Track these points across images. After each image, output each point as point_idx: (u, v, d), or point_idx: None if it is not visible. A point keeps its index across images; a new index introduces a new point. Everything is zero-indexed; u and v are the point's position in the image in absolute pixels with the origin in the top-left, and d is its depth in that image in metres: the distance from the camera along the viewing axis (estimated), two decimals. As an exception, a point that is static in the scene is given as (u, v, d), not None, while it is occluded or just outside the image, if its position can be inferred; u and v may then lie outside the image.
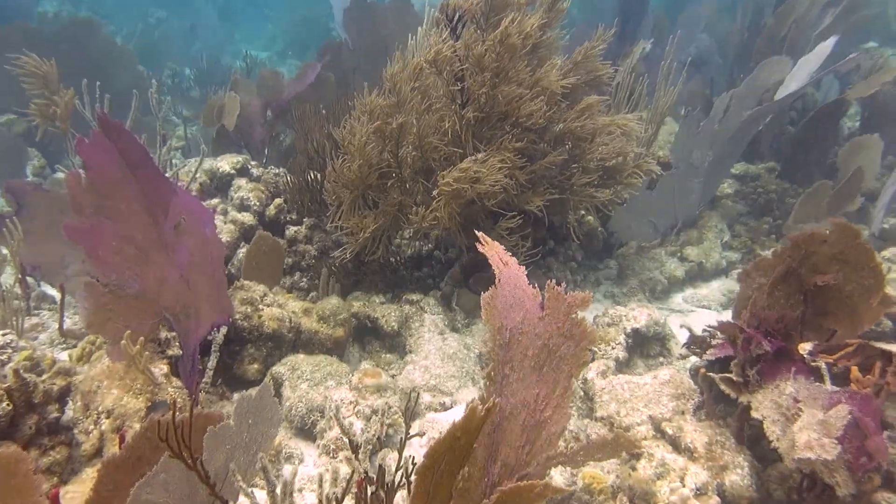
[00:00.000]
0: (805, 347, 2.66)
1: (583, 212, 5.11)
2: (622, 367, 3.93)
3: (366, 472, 2.35)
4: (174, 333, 3.16)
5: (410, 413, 2.72)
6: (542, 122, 4.16)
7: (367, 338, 4.35)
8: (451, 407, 3.79)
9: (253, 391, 2.27)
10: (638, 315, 4.07)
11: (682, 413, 2.88)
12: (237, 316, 3.56)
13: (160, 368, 3.00)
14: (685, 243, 5.54)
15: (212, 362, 3.28)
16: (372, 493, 2.24)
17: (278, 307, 3.81)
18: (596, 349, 3.88)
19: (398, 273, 4.67)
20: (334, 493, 2.22)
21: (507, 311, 2.24)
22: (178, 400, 2.85)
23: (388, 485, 2.25)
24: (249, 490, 2.28)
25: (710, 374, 2.72)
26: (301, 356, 3.60)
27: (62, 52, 7.11)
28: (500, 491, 1.93)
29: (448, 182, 3.88)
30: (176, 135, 10.19)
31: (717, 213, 5.91)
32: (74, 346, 4.22)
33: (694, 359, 3.69)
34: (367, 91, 4.26)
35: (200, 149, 4.95)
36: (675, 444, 2.76)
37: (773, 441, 2.41)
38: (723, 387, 2.61)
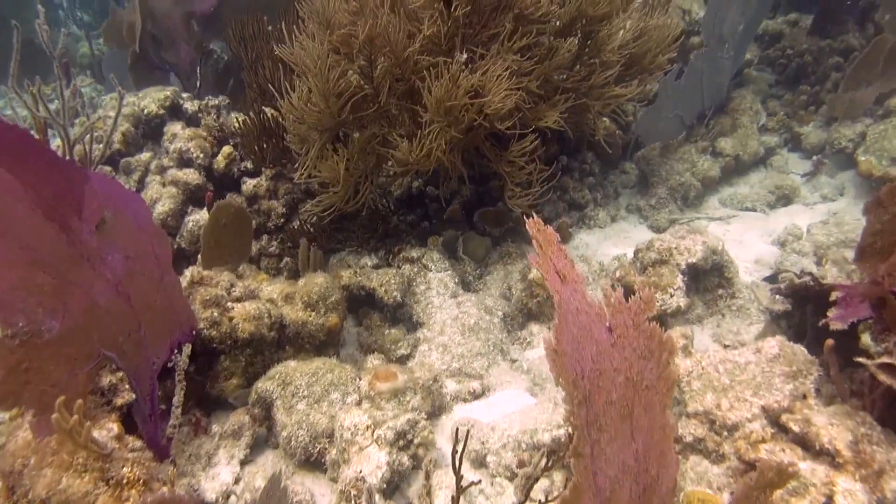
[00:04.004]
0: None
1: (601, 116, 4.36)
2: (681, 315, 3.36)
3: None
4: (121, 374, 2.47)
5: (460, 457, 2.14)
6: (555, 10, 3.33)
7: (362, 309, 3.69)
8: (483, 394, 3.21)
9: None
10: (692, 246, 3.44)
11: (804, 397, 2.31)
12: (201, 325, 2.85)
13: (108, 429, 2.33)
14: (717, 134, 4.84)
15: (177, 397, 2.61)
16: None
17: (251, 300, 3.11)
18: (651, 299, 3.27)
19: (388, 221, 3.94)
20: None
21: (578, 351, 1.60)
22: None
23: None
24: None
25: (863, 360, 2.12)
26: (292, 364, 2.93)
27: None
28: None
29: (438, 100, 3.09)
30: (80, 53, 8.94)
31: (748, 90, 5.18)
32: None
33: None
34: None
35: (117, 91, 4.01)
36: (806, 444, 2.21)
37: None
38: (885, 379, 2.02)
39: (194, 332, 2.80)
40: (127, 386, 2.46)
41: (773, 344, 2.45)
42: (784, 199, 4.57)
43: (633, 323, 1.69)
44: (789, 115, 5.20)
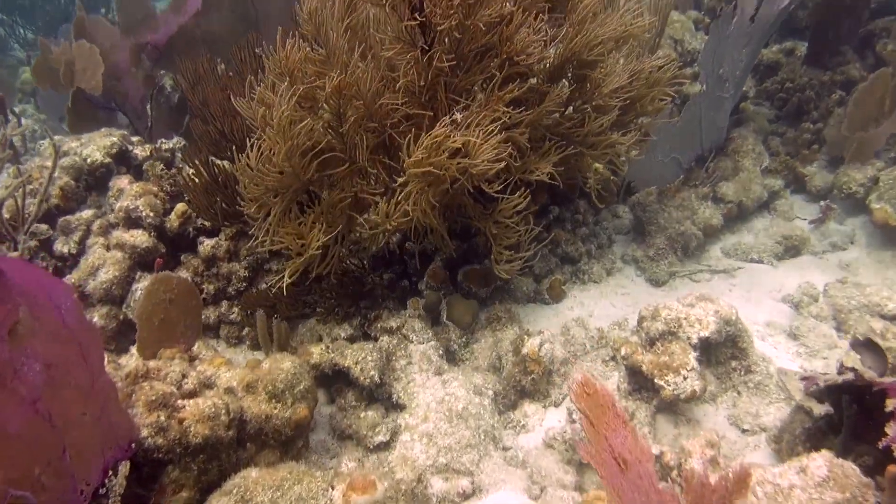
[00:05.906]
0: None
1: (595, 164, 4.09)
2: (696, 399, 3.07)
3: None
4: (43, 510, 2.10)
5: None
6: (547, 58, 3.07)
7: (336, 385, 3.35)
8: (474, 494, 2.88)
9: None
10: (703, 316, 3.17)
11: (858, 533, 2.03)
12: (145, 433, 2.49)
13: (29, 584, 1.96)
14: (718, 179, 4.60)
15: (115, 529, 2.25)
16: None
17: (206, 391, 2.76)
18: (662, 383, 2.98)
19: (362, 282, 3.62)
20: None
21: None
22: None
23: None
24: None
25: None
26: (253, 474, 2.57)
27: None
28: None
29: (418, 161, 2.79)
30: (21, 79, 8.50)
31: (748, 129, 4.95)
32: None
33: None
34: (280, 40, 3.03)
35: (52, 143, 3.66)
36: None
37: None
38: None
39: (134, 445, 2.44)
40: (50, 524, 2.10)
41: (821, 463, 2.15)
42: (792, 249, 4.34)
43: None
44: (792, 155, 4.99)
